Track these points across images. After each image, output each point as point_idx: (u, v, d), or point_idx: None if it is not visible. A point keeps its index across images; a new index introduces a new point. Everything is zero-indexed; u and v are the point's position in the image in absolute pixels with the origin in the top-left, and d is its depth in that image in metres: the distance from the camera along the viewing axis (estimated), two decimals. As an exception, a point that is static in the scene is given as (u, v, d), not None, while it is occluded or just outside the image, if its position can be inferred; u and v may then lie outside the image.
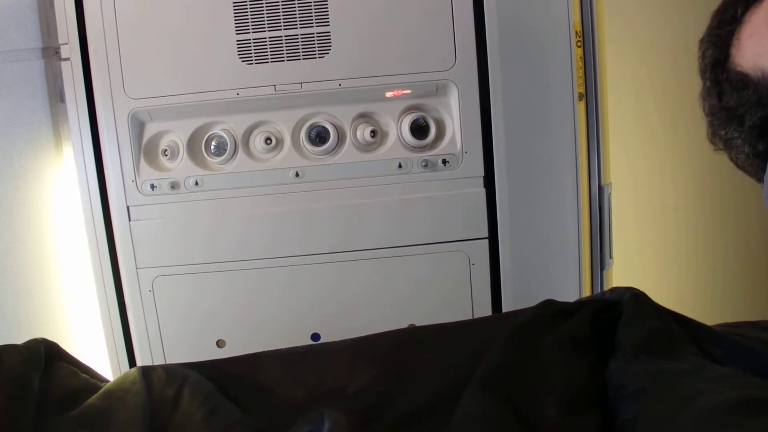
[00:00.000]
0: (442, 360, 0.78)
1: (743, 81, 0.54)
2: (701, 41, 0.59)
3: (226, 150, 1.22)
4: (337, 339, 0.85)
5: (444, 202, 1.24)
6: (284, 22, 1.19)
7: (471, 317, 1.26)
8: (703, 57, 0.59)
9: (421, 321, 1.15)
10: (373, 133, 1.21)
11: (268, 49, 1.19)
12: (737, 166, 0.59)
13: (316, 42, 1.19)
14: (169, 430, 0.75)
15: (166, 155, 1.22)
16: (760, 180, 0.56)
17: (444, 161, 1.23)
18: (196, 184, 1.23)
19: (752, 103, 0.53)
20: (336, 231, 1.25)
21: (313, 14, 1.18)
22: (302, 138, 1.23)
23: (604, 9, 1.27)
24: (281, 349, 0.85)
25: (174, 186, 1.23)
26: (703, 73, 0.59)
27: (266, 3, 1.18)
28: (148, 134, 1.23)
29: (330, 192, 1.24)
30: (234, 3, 1.18)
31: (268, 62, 1.19)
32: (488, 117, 1.23)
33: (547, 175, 1.28)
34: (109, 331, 1.29)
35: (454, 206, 1.24)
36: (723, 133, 0.57)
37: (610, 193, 1.29)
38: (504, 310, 1.28)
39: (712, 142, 0.59)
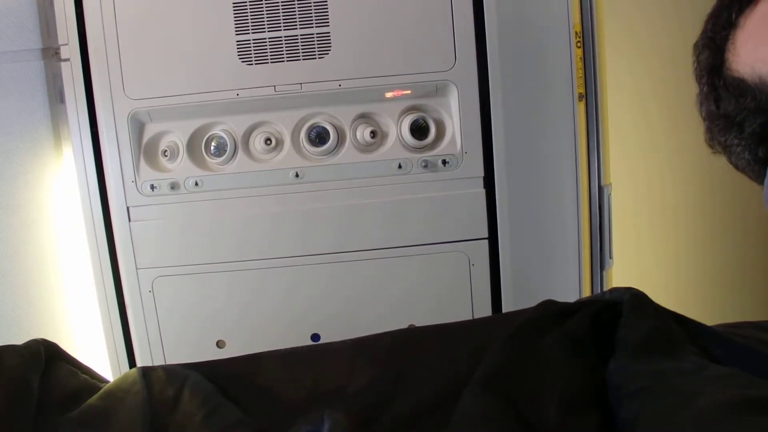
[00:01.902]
0: (441, 360, 0.78)
1: (741, 87, 0.53)
2: (695, 45, 0.58)
3: (226, 150, 1.22)
4: (337, 339, 0.85)
5: (444, 203, 1.24)
6: (284, 23, 1.19)
7: (471, 317, 1.26)
8: (698, 62, 0.58)
9: (421, 321, 1.15)
10: (373, 133, 1.21)
11: (268, 50, 1.19)
12: (737, 169, 0.58)
13: (316, 42, 1.19)
14: (169, 430, 0.75)
15: (166, 156, 1.22)
16: (761, 183, 0.56)
17: (444, 162, 1.23)
18: (196, 184, 1.23)
19: (751, 110, 0.52)
20: (336, 231, 1.25)
21: (313, 15, 1.18)
22: (302, 138, 1.23)
23: (603, 9, 1.27)
24: (281, 350, 0.85)
25: (174, 186, 1.23)
26: (699, 78, 0.58)
27: (266, 3, 1.18)
28: (147, 135, 1.23)
29: (330, 192, 1.24)
30: (234, 3, 1.18)
31: (268, 63, 1.19)
32: (488, 117, 1.23)
33: (547, 175, 1.28)
34: (109, 331, 1.29)
35: (454, 207, 1.24)
36: (722, 139, 0.56)
37: (610, 194, 1.29)
38: (504, 310, 1.28)
39: (710, 145, 0.59)
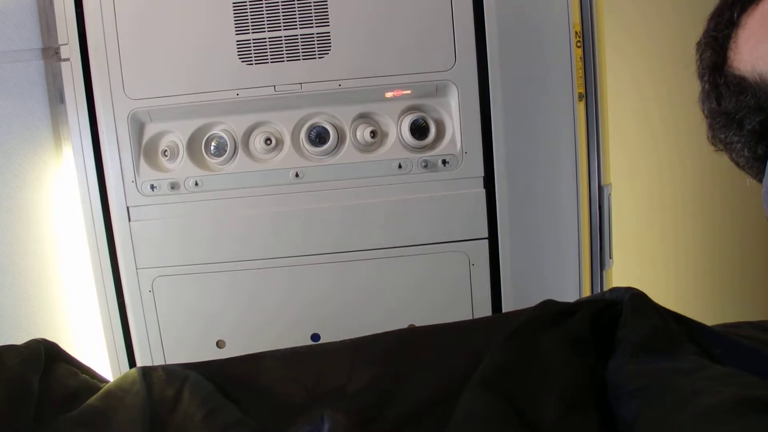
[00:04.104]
0: (441, 360, 0.78)
1: (741, 85, 0.53)
2: (698, 44, 0.59)
3: (226, 150, 1.22)
4: (337, 339, 0.85)
5: (444, 203, 1.24)
6: (284, 23, 1.19)
7: (471, 317, 1.26)
8: (700, 60, 0.58)
9: (421, 321, 1.15)
10: (373, 133, 1.21)
11: (268, 50, 1.19)
12: (738, 166, 0.58)
13: (316, 42, 1.19)
14: (169, 430, 0.75)
15: (166, 156, 1.22)
16: (761, 181, 0.56)
17: (444, 161, 1.23)
18: (196, 184, 1.23)
19: (750, 108, 0.53)
20: (336, 231, 1.25)
21: (313, 15, 1.18)
22: (302, 138, 1.23)
23: (603, 9, 1.27)
24: (281, 350, 0.85)
25: (174, 186, 1.23)
26: (701, 76, 0.59)
27: (266, 3, 1.18)
28: (147, 135, 1.23)
29: (330, 192, 1.24)
30: (234, 3, 1.18)
31: (268, 62, 1.19)
32: (488, 117, 1.23)
33: (547, 175, 1.28)
34: (109, 331, 1.29)
35: (454, 206, 1.24)
36: (723, 136, 0.57)
37: (610, 194, 1.29)
38: (504, 310, 1.28)
39: (712, 143, 0.59)
